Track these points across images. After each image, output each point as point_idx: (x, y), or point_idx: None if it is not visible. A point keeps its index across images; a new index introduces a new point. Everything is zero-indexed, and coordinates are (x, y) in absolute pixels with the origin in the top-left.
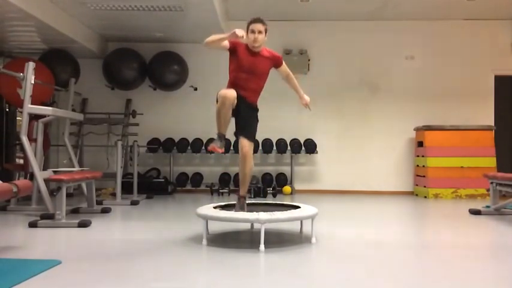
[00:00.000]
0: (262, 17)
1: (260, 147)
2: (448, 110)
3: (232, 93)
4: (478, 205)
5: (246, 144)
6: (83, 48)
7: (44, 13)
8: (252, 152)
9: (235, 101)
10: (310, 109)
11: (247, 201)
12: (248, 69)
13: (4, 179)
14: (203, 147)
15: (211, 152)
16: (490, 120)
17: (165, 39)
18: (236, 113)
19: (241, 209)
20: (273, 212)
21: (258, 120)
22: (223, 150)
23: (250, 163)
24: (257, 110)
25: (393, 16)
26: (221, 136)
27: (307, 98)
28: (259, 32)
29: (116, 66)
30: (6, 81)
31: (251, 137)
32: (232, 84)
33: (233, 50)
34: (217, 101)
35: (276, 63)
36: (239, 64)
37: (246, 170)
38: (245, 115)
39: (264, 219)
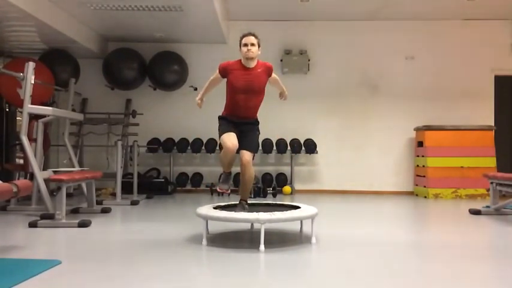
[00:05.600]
0: (254, 32)
1: (260, 147)
2: (448, 110)
3: (232, 145)
4: (478, 205)
5: (246, 153)
6: (83, 48)
7: (44, 13)
8: (251, 160)
9: (237, 147)
10: (282, 99)
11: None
12: (245, 89)
13: (4, 179)
14: (203, 147)
15: (211, 152)
16: (490, 120)
17: (165, 39)
18: (238, 133)
19: (243, 209)
20: (273, 212)
21: (259, 133)
22: (229, 191)
23: (250, 171)
24: (258, 123)
25: (393, 16)
26: (228, 175)
27: (285, 91)
28: (252, 44)
29: (116, 66)
30: (6, 81)
31: (252, 150)
32: (230, 106)
33: (226, 74)
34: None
35: (270, 72)
36: (235, 86)
37: (246, 178)
38: (246, 133)
39: (264, 219)
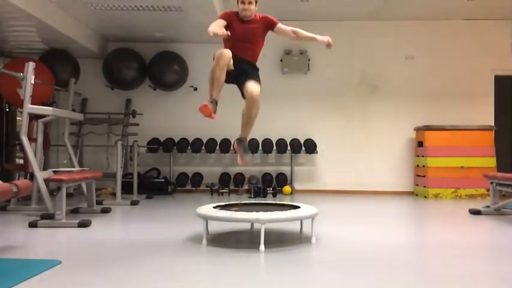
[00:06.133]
0: None
1: (260, 147)
2: (448, 110)
3: (228, 53)
4: (478, 205)
5: (256, 88)
6: (83, 48)
7: (44, 13)
8: (259, 93)
9: (231, 62)
10: (330, 46)
11: (246, 202)
12: (242, 38)
13: (4, 179)
14: (203, 147)
15: (211, 152)
16: (490, 120)
17: (165, 39)
18: (238, 72)
19: (245, 151)
20: (273, 212)
21: (259, 79)
22: (214, 116)
23: (258, 106)
24: (258, 68)
25: (393, 16)
26: (213, 101)
27: (325, 38)
28: (249, 2)
29: (116, 66)
30: (6, 81)
31: (259, 82)
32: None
33: (228, 24)
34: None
35: (268, 24)
36: (233, 34)
37: (253, 113)
38: (248, 71)
39: (264, 219)
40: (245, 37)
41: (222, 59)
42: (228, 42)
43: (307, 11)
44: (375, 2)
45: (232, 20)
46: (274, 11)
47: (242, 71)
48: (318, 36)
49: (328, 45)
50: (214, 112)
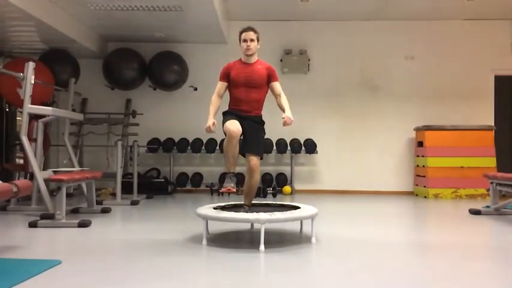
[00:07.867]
0: (253, 26)
1: None
2: (448, 110)
3: (237, 130)
4: (478, 205)
5: (254, 158)
6: (83, 48)
7: (44, 13)
8: (259, 165)
9: (241, 133)
10: (286, 125)
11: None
12: (246, 82)
13: (4, 179)
14: (203, 147)
15: (211, 152)
16: (490, 120)
17: (165, 39)
18: (242, 131)
19: (229, 181)
20: (273, 212)
21: (264, 133)
22: (235, 189)
23: (256, 176)
24: (263, 122)
25: (393, 16)
26: (231, 175)
27: (288, 114)
28: (251, 40)
29: (116, 66)
30: (6, 81)
31: (259, 153)
32: (233, 101)
33: (228, 76)
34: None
35: (271, 74)
36: (236, 81)
37: (253, 183)
38: (251, 131)
39: (264, 219)
40: (249, 79)
41: (234, 137)
42: (233, 89)
43: (307, 11)
44: (375, 2)
45: (232, 68)
46: (274, 11)
47: (246, 132)
48: (286, 111)
49: (284, 123)
50: (234, 185)
